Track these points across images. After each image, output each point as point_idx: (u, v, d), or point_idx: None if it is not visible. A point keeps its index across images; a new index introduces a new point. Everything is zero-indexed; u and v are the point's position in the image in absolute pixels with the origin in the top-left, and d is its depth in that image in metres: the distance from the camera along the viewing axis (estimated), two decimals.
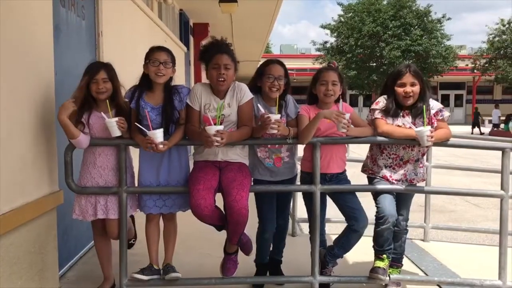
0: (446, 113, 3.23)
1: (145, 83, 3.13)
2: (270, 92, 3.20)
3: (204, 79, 11.87)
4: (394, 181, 3.26)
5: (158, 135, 2.91)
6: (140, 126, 2.98)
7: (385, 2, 27.98)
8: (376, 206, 3.22)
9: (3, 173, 2.53)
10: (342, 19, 28.67)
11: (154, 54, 3.07)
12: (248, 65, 16.68)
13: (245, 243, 3.23)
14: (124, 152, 3.09)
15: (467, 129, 26.12)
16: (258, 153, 3.31)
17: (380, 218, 3.16)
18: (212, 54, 3.08)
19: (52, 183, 3.15)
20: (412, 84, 3.15)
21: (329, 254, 3.34)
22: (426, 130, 2.97)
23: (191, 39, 11.56)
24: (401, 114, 3.21)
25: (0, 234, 2.49)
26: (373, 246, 3.28)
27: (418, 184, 3.35)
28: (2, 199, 2.53)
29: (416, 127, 3.11)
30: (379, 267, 3.21)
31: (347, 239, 3.24)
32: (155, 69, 3.03)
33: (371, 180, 3.36)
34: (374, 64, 27.95)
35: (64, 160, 3.07)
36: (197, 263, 3.88)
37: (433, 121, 3.20)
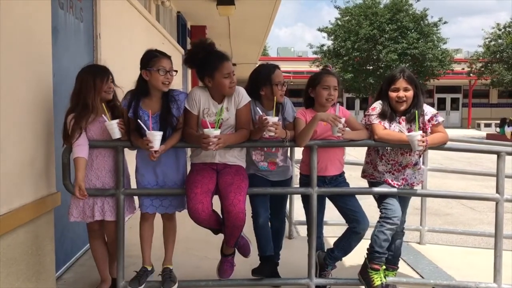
0: (440, 118, 3.23)
1: (142, 89, 3.06)
2: (280, 98, 3.24)
3: (201, 82, 11.85)
4: (396, 185, 3.27)
5: (156, 137, 2.89)
6: (142, 124, 2.93)
7: (382, 6, 28.05)
8: (384, 208, 3.20)
9: (0, 175, 2.53)
10: (339, 22, 28.73)
11: (161, 62, 2.98)
12: (245, 67, 16.69)
13: (242, 245, 3.24)
14: (121, 154, 3.10)
15: (463, 132, 26.18)
16: (253, 156, 3.33)
17: (389, 218, 3.16)
18: (219, 62, 3.02)
19: (49, 184, 3.15)
20: (405, 89, 3.16)
21: (329, 256, 3.34)
22: (416, 135, 2.98)
23: (189, 41, 11.56)
24: (397, 120, 3.23)
25: None
26: (371, 248, 3.22)
27: (415, 187, 3.38)
28: None
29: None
30: (379, 285, 3.17)
31: (348, 242, 3.25)
32: (163, 78, 2.97)
33: (372, 184, 3.37)
34: (371, 67, 27.99)
35: (61, 162, 3.07)
36: (194, 265, 3.89)
37: (426, 127, 3.21)
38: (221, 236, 3.19)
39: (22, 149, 2.78)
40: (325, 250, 3.44)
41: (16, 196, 2.71)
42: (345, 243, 3.27)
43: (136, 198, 3.28)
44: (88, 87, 2.96)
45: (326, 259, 3.35)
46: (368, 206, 3.31)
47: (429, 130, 3.21)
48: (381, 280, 3.19)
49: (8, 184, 2.62)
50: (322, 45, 29.45)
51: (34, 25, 2.93)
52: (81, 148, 2.97)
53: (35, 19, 2.95)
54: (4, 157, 2.56)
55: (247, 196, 3.16)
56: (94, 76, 2.98)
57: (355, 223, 3.19)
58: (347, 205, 3.23)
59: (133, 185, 3.29)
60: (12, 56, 2.64)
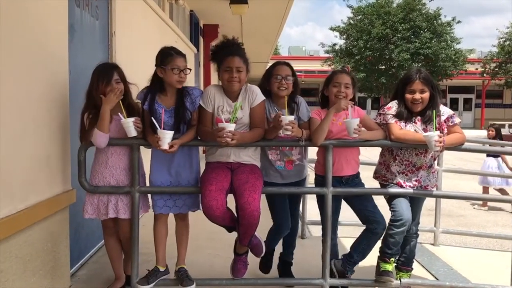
0: (456, 119, 3.20)
1: (157, 85, 3.09)
2: (278, 91, 3.20)
3: (213, 80, 11.89)
4: (408, 187, 3.24)
5: (166, 135, 2.89)
6: (154, 121, 2.95)
7: (394, 5, 27.88)
8: (392, 210, 3.19)
9: (17, 172, 2.55)
10: (352, 22, 28.62)
11: (175, 60, 3.01)
12: (257, 66, 16.70)
13: (255, 244, 3.22)
14: (137, 152, 3.10)
15: (476, 133, 25.93)
16: (269, 156, 3.31)
17: (397, 221, 3.12)
18: (224, 56, 3.07)
19: (65, 182, 3.17)
20: (422, 91, 3.13)
21: (348, 262, 3.27)
22: (434, 135, 2.94)
23: (201, 40, 11.59)
24: (413, 120, 3.20)
25: (14, 232, 2.51)
26: (381, 248, 3.23)
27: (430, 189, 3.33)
28: (16, 197, 2.55)
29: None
30: (387, 271, 3.18)
31: (367, 244, 3.21)
32: (177, 77, 3.00)
33: (384, 186, 3.33)
34: (383, 66, 27.86)
35: (77, 159, 3.07)
36: (207, 263, 3.89)
37: (443, 127, 3.18)
38: (234, 234, 3.18)
39: (38, 146, 2.80)
40: (340, 257, 3.36)
41: (32, 193, 2.73)
42: (365, 246, 3.22)
43: (149, 199, 3.28)
44: (94, 88, 3.00)
45: (344, 265, 3.27)
46: (381, 207, 3.26)
47: (445, 131, 3.18)
48: (390, 270, 3.17)
49: (24, 181, 2.64)
50: (334, 44, 29.36)
51: (51, 23, 2.95)
52: (107, 137, 2.99)
53: (52, 17, 2.96)
54: (20, 154, 2.57)
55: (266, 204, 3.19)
56: (98, 78, 3.00)
57: (375, 224, 3.14)
58: (366, 206, 3.18)
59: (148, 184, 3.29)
60: (28, 53, 2.66)
